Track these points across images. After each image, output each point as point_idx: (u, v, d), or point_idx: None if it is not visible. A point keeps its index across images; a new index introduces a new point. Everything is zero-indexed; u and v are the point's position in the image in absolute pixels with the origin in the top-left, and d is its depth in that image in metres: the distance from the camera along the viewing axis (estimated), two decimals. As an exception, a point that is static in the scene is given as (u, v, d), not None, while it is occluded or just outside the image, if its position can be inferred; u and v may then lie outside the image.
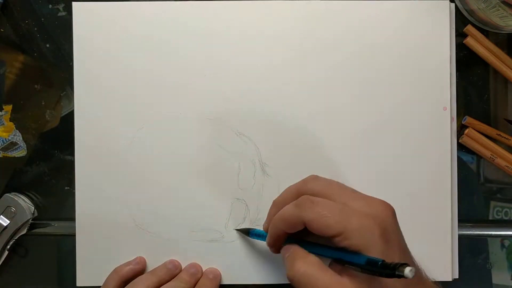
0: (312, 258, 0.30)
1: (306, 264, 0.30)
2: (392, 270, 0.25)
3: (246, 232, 0.40)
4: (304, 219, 0.30)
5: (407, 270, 0.25)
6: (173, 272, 0.40)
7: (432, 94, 0.42)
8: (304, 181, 0.34)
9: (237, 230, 0.41)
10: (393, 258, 0.28)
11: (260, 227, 0.40)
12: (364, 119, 0.41)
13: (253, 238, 0.40)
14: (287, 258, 0.32)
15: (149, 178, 0.41)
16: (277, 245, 0.35)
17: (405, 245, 0.31)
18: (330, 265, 0.31)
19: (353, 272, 0.29)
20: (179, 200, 0.41)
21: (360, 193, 0.32)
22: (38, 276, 0.44)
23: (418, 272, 0.31)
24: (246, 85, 0.41)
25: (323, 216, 0.29)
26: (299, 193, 0.33)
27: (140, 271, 0.41)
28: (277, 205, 0.35)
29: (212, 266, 0.41)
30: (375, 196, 0.31)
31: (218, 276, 0.41)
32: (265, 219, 0.38)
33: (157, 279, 0.39)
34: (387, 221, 0.30)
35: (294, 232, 0.33)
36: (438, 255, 0.42)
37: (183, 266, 0.41)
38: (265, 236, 0.36)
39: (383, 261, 0.26)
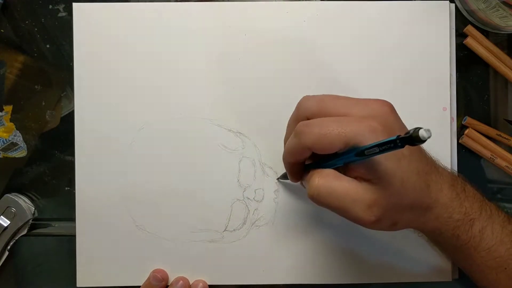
0: (327, 170, 0.31)
1: (321, 176, 0.30)
2: (410, 139, 0.24)
3: (286, 176, 0.39)
4: (306, 146, 0.30)
5: (422, 131, 0.24)
6: (159, 285, 0.40)
7: (432, 94, 0.42)
8: (297, 106, 0.34)
9: (278, 179, 0.41)
10: None
11: (260, 227, 0.40)
12: (364, 119, 0.41)
13: None
14: (306, 182, 0.32)
15: (149, 178, 0.41)
16: (297, 176, 0.35)
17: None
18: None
19: (368, 179, 0.29)
20: (179, 200, 0.41)
21: (354, 98, 0.32)
22: (38, 276, 0.44)
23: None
24: (247, 85, 0.41)
25: (322, 136, 0.29)
26: (297, 121, 0.33)
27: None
28: (285, 142, 0.35)
29: (210, 269, 0.41)
30: None
31: None
32: (265, 219, 0.38)
33: None
34: (385, 116, 0.30)
35: (309, 158, 0.32)
36: (438, 255, 0.42)
37: (182, 267, 0.41)
38: None
39: (399, 135, 0.26)
